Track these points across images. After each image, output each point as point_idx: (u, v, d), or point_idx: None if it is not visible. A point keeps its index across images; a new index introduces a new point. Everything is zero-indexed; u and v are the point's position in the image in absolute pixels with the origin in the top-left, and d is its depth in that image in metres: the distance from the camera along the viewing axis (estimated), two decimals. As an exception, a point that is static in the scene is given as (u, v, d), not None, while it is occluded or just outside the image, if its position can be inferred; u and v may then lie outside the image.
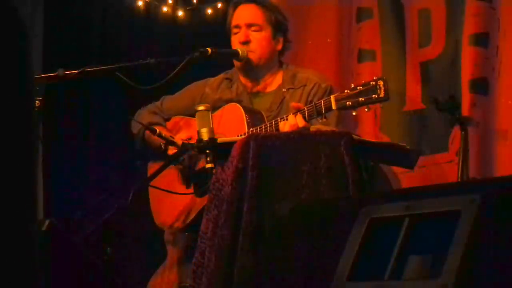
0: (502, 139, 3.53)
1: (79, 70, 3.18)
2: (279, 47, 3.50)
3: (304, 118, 3.00)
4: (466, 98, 3.58)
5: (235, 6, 3.53)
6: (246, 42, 3.44)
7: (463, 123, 3.30)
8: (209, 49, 3.35)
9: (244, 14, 3.49)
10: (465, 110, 3.55)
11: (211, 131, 2.92)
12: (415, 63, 3.87)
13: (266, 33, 3.46)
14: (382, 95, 2.86)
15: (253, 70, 3.48)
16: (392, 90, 3.81)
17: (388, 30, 3.99)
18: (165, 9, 4.77)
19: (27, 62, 1.20)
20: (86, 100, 4.85)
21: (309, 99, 3.37)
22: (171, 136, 3.41)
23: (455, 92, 3.58)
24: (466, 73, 3.61)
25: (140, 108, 3.70)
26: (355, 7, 4.11)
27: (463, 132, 3.28)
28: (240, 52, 3.43)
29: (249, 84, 3.52)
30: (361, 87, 2.89)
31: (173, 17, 4.77)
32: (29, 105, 1.22)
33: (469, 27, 3.63)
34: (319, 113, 2.97)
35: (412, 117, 3.83)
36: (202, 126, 2.93)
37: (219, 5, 4.69)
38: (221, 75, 3.61)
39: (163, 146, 3.44)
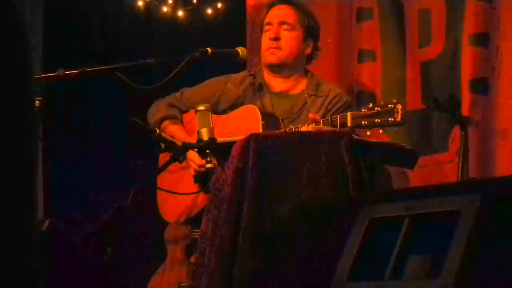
0: (502, 139, 3.52)
1: (79, 70, 3.18)
2: (308, 51, 3.51)
3: None
4: (466, 98, 3.58)
5: (270, 6, 3.54)
6: (276, 39, 3.44)
7: (463, 123, 3.30)
8: (209, 49, 3.35)
9: (278, 13, 3.50)
10: (465, 110, 3.55)
11: (211, 131, 2.92)
12: (415, 63, 3.86)
13: (298, 33, 3.46)
14: (398, 119, 2.86)
15: (280, 68, 3.48)
16: (392, 90, 3.84)
17: (388, 30, 3.98)
18: (165, 9, 4.77)
19: (27, 62, 1.20)
20: (86, 100, 4.85)
21: (329, 108, 3.39)
22: (171, 136, 3.41)
23: (455, 92, 3.57)
24: (466, 73, 3.61)
25: (156, 101, 3.67)
26: (355, 7, 4.11)
27: (463, 132, 3.27)
28: (240, 52, 3.43)
29: (273, 83, 3.52)
30: (378, 108, 2.89)
31: (173, 17, 4.77)
32: (29, 105, 1.22)
33: (469, 27, 3.63)
34: (334, 127, 2.99)
35: (412, 117, 3.82)
36: (202, 126, 2.93)
37: (219, 5, 4.69)
38: (245, 72, 3.61)
39: (163, 146, 3.44)
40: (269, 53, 3.45)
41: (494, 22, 3.59)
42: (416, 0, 3.90)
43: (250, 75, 3.57)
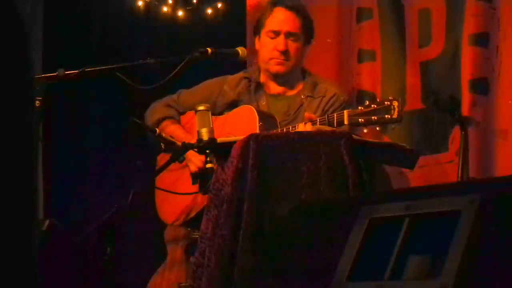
0: (502, 139, 3.52)
1: (79, 70, 3.18)
2: (306, 53, 3.54)
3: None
4: (466, 98, 3.58)
5: (273, 6, 3.50)
6: (285, 52, 3.42)
7: (463, 123, 3.30)
8: (209, 49, 3.35)
9: (285, 21, 3.46)
10: (465, 110, 3.55)
11: (211, 131, 2.92)
12: (415, 63, 3.86)
13: (301, 42, 3.47)
14: (395, 116, 2.86)
15: (285, 77, 3.49)
16: (392, 90, 3.84)
17: (388, 30, 3.99)
18: (165, 9, 4.77)
19: (27, 62, 1.20)
20: (86, 100, 4.85)
21: (326, 108, 3.40)
22: (170, 136, 3.42)
23: (455, 92, 3.57)
24: (466, 73, 3.61)
25: (153, 102, 3.68)
26: (355, 7, 4.11)
27: (463, 132, 3.27)
28: (240, 52, 3.43)
29: (270, 85, 3.52)
30: (375, 105, 2.89)
31: (173, 17, 4.77)
32: (29, 106, 1.23)
33: (469, 27, 3.63)
34: (331, 126, 2.99)
35: (412, 117, 3.82)
36: (202, 126, 2.93)
37: (219, 5, 4.69)
38: (240, 74, 3.60)
39: (163, 146, 3.44)
40: (274, 63, 3.45)
41: (494, 22, 3.59)
42: (416, 0, 3.90)
43: (245, 78, 3.57)
